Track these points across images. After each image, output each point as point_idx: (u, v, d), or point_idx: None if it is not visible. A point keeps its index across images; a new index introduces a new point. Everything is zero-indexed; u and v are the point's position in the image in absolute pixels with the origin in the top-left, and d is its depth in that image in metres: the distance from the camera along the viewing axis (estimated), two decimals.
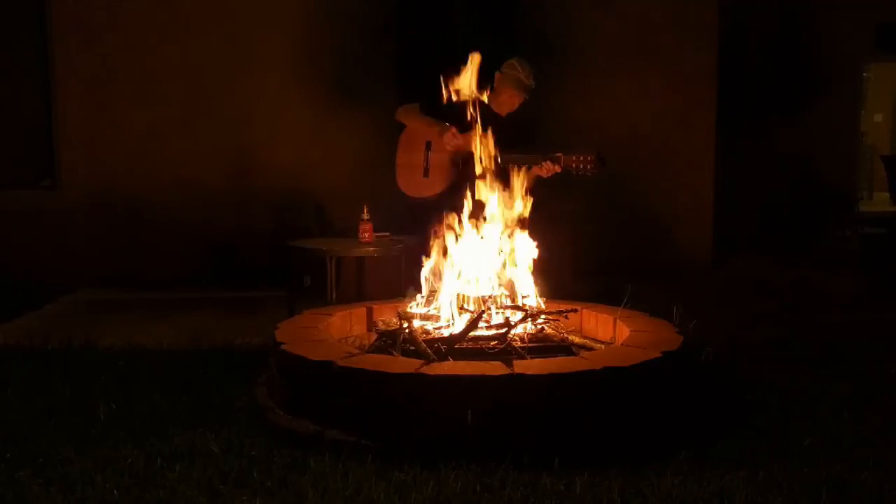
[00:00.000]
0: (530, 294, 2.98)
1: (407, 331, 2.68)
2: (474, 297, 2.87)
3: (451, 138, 3.62)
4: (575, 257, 3.58)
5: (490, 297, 2.87)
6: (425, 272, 3.01)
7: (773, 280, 5.47)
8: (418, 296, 3.02)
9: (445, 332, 2.74)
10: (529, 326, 2.82)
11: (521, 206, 3.03)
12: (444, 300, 2.91)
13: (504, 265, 2.97)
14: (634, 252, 5.50)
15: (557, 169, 3.54)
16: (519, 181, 3.05)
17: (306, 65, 5.44)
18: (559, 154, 3.53)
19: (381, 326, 2.89)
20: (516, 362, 2.46)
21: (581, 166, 3.49)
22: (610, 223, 5.49)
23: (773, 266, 6.01)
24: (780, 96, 7.40)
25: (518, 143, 3.45)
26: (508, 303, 2.87)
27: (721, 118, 5.90)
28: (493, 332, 2.73)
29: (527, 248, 3.02)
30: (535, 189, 3.16)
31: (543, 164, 3.46)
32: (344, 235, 4.25)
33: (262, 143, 5.47)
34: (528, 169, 3.29)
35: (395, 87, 5.39)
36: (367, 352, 2.73)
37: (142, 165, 5.42)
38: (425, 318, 2.87)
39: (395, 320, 2.83)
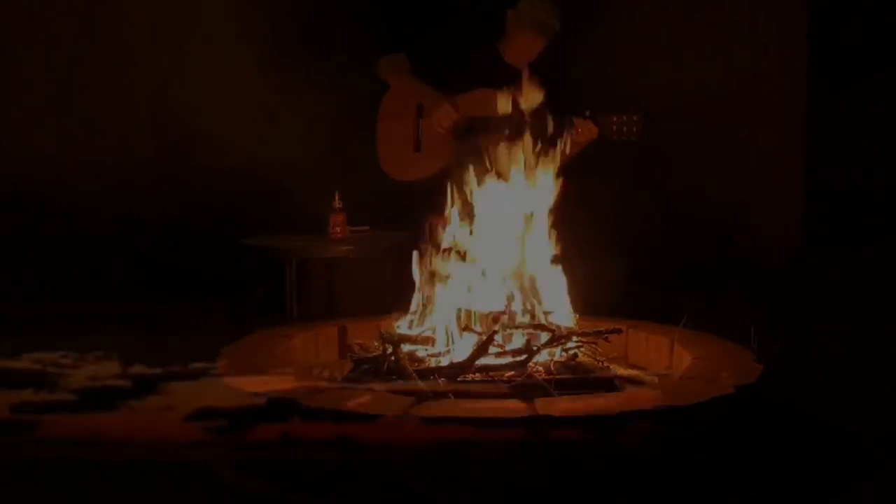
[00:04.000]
0: (558, 308, 2.96)
1: (392, 358, 2.66)
2: (483, 313, 2.85)
3: (445, 117, 3.58)
4: (617, 258, 3.58)
5: (504, 312, 2.84)
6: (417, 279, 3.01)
7: (879, 286, 5.43)
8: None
9: (444, 360, 2.73)
10: (558, 353, 2.80)
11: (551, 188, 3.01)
12: (442, 317, 2.89)
13: (524, 269, 2.96)
14: (697, 252, 5.47)
15: (593, 133, 3.51)
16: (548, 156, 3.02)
17: (259, 4, 5.41)
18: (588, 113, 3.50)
19: (359, 352, 2.87)
20: (539, 401, 2.43)
21: (624, 129, 3.46)
22: (664, 213, 5.46)
23: (878, 268, 5.97)
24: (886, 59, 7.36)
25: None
26: (529, 320, 2.84)
27: (812, 86, 5.87)
28: (508, 359, 2.71)
29: (553, 247, 3.00)
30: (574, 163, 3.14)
31: (577, 127, 3.44)
32: (310, 230, 4.22)
33: (198, 108, 5.40)
34: (562, 135, 3.27)
35: (379, 36, 5.35)
36: (340, 386, 2.68)
37: (45, 146, 5.36)
38: (417, 340, 2.85)
39: (376, 344, 2.81)
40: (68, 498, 2.21)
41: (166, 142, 5.41)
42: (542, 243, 3.01)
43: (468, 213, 3.01)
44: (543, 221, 3.01)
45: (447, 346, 2.81)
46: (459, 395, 2.54)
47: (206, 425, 2.44)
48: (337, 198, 3.94)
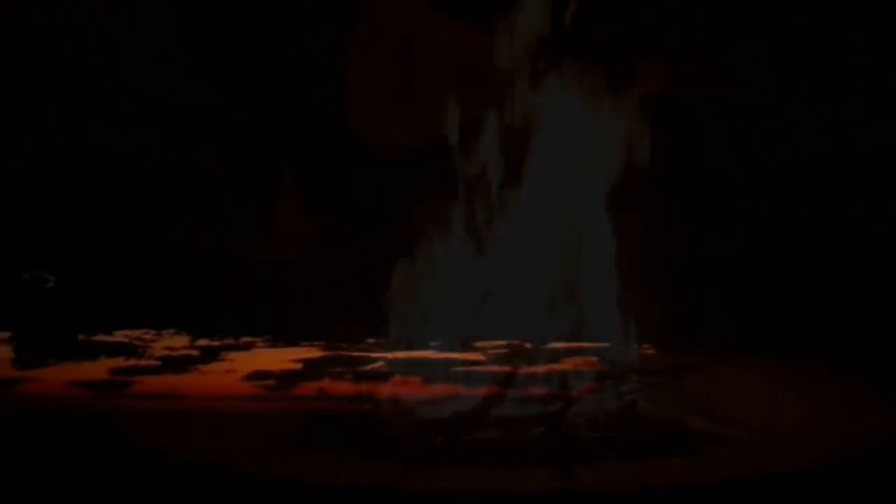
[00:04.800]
0: (611, 333, 3.02)
1: (369, 408, 2.73)
2: (499, 342, 2.91)
3: None
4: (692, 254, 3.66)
5: (531, 341, 2.91)
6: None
7: None
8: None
9: (444, 411, 2.76)
10: (608, 398, 2.85)
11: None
12: (439, 347, 2.95)
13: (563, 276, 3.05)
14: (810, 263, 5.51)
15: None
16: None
17: None
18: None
19: (321, 398, 2.91)
20: (580, 468, 2.46)
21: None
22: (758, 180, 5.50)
23: None
24: None
25: None
26: (567, 352, 2.91)
27: None
28: (536, 409, 2.77)
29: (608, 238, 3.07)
30: None
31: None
32: (245, 221, 4.25)
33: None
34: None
35: None
36: (294, 445, 2.78)
37: None
38: (403, 381, 2.89)
39: (346, 386, 2.86)
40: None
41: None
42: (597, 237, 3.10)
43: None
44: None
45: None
46: (465, 460, 2.58)
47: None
48: (286, 174, 3.94)
